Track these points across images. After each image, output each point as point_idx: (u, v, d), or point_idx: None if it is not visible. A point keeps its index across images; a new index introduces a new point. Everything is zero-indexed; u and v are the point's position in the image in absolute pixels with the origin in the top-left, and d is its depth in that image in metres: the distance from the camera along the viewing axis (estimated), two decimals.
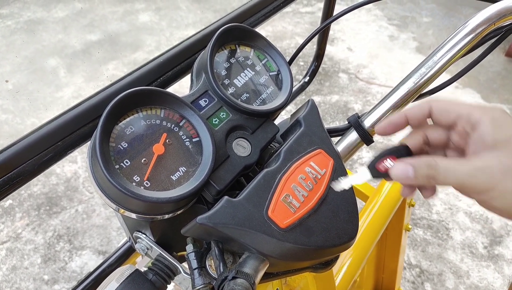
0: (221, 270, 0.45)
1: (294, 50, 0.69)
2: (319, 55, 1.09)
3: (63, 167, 2.11)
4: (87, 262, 1.74)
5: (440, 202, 1.99)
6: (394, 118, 0.47)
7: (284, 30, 3.12)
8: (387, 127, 0.47)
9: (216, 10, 3.35)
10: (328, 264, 0.54)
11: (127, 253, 0.81)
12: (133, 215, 0.48)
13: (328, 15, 0.98)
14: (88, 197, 1.98)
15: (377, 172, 0.46)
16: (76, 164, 2.12)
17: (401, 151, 0.46)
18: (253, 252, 0.46)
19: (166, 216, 0.49)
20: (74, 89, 2.56)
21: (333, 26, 3.34)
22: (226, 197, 0.46)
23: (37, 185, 1.99)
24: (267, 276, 0.52)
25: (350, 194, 0.53)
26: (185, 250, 0.64)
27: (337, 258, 0.55)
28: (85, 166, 2.12)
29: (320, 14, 3.37)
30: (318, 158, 0.53)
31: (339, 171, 0.54)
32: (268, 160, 0.55)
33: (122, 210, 0.47)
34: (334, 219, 0.50)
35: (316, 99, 2.52)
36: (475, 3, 3.45)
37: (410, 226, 1.00)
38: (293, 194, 0.49)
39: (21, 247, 1.80)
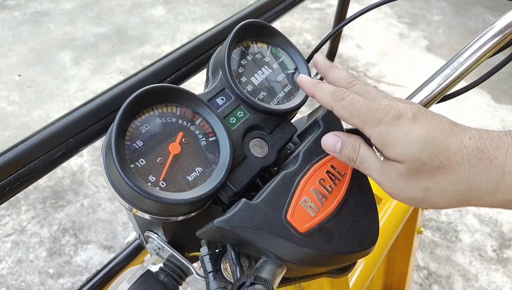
0: (238, 275, 0.43)
1: (303, 47, 0.67)
2: (332, 52, 1.07)
3: (69, 161, 2.10)
4: (92, 256, 1.73)
5: None
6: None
7: (293, 26, 3.09)
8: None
9: (224, 5, 3.32)
10: (346, 269, 0.53)
11: (136, 251, 0.80)
12: (147, 216, 0.46)
13: (343, 13, 0.96)
14: (94, 191, 1.97)
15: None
16: (82, 158, 2.11)
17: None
18: (271, 257, 0.45)
19: (180, 218, 0.48)
20: (81, 81, 2.55)
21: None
22: (244, 199, 0.45)
23: (42, 178, 1.98)
24: (284, 281, 0.51)
25: (371, 198, 0.51)
26: (197, 251, 0.63)
27: (354, 263, 0.53)
28: (91, 160, 2.11)
29: (329, 10, 3.34)
30: (337, 161, 0.51)
31: (359, 175, 0.52)
32: (284, 162, 0.54)
33: (135, 210, 0.46)
34: (354, 224, 0.48)
35: None
36: (486, 2, 3.40)
37: (422, 229, 0.98)
38: (312, 197, 0.47)
39: (27, 240, 1.80)
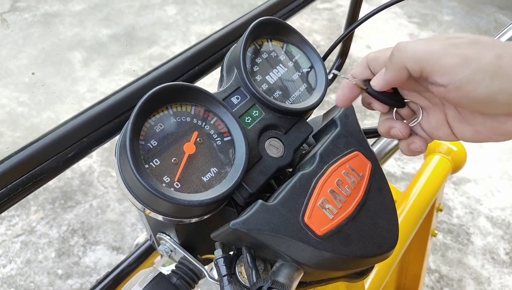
0: (254, 279, 0.42)
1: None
2: (344, 52, 1.06)
3: (78, 162, 2.11)
4: (101, 257, 1.73)
5: (460, 205, 1.94)
6: (345, 86, 0.47)
7: (302, 27, 3.07)
8: (344, 100, 0.48)
9: (233, 6, 3.32)
10: (363, 273, 0.51)
11: (146, 253, 0.79)
12: (160, 217, 0.45)
13: (355, 13, 0.94)
14: (103, 192, 1.97)
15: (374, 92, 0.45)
16: (91, 159, 2.12)
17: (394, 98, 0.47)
18: (288, 260, 0.44)
19: (194, 220, 0.47)
20: (90, 83, 2.56)
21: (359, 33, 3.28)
22: (260, 201, 0.43)
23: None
24: (300, 286, 0.49)
25: (390, 200, 0.50)
26: (210, 253, 0.62)
27: (372, 267, 0.52)
28: (100, 161, 2.11)
29: (338, 10, 3.32)
30: (355, 161, 0.50)
31: (377, 176, 0.51)
32: (300, 162, 0.52)
33: (148, 211, 0.45)
34: (374, 226, 0.47)
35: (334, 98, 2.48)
36: (497, 2, 3.36)
37: (436, 232, 0.96)
38: (330, 199, 0.46)
39: (36, 240, 1.80)
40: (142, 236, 1.12)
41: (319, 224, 0.44)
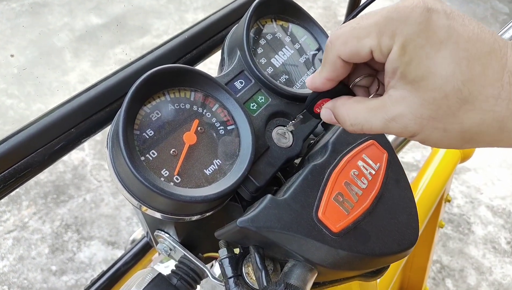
0: (265, 282, 0.38)
1: None
2: None
3: (70, 155, 2.05)
4: (96, 253, 1.69)
5: (461, 195, 1.92)
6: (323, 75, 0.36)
7: None
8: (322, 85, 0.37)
9: None
10: (379, 271, 0.47)
11: (143, 251, 0.75)
12: (158, 215, 0.41)
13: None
14: (96, 185, 1.92)
15: (317, 115, 0.40)
16: (83, 152, 2.06)
17: (338, 91, 0.38)
18: (300, 260, 0.40)
19: (195, 218, 0.42)
20: (81, 73, 2.49)
21: (341, 10, 3.23)
22: (269, 195, 0.39)
23: (43, 173, 1.93)
24: (312, 286, 0.45)
25: (408, 192, 0.46)
26: (213, 251, 0.58)
27: (389, 265, 0.48)
28: (92, 154, 2.06)
29: None
30: (371, 151, 0.46)
31: (394, 166, 0.47)
32: (309, 152, 0.48)
33: (145, 208, 0.40)
34: (392, 221, 0.43)
35: None
36: None
37: (443, 223, 0.93)
38: (345, 192, 0.42)
39: (28, 236, 1.75)
40: (138, 231, 1.07)
41: (334, 220, 0.40)
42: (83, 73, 2.48)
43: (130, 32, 2.83)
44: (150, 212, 0.40)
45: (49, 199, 1.87)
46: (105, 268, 1.61)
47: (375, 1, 0.49)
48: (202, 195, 0.37)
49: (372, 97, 0.35)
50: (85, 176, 1.95)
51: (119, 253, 1.68)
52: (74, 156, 2.05)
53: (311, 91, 0.49)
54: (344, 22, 0.57)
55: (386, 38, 0.29)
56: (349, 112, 0.34)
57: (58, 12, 3.00)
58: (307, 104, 0.40)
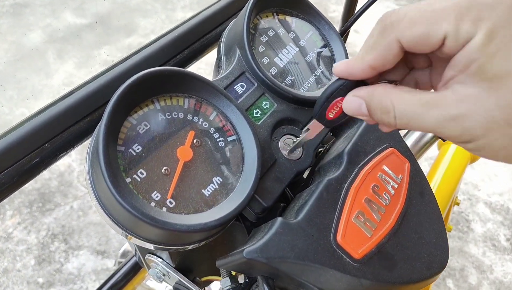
0: None
1: None
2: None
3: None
4: (85, 263, 1.61)
5: (459, 192, 1.88)
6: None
7: None
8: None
9: None
10: None
11: (135, 269, 0.68)
12: (148, 245, 0.35)
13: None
14: (84, 192, 1.85)
15: (330, 121, 0.34)
16: (70, 157, 1.98)
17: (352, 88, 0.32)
18: None
19: (191, 247, 0.36)
20: (65, 76, 2.40)
21: (337, 7, 3.18)
22: (280, 219, 0.33)
23: None
24: None
25: (434, 206, 0.41)
26: (211, 274, 0.52)
27: None
28: (79, 159, 1.98)
29: None
30: (391, 160, 0.40)
31: (417, 177, 0.41)
32: (318, 163, 0.43)
33: (132, 238, 0.34)
34: (419, 241, 0.38)
35: None
36: None
37: (451, 226, 0.88)
38: (367, 211, 0.36)
39: (13, 247, 1.67)
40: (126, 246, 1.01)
41: (356, 245, 0.35)
42: (67, 75, 2.40)
43: (116, 32, 2.75)
44: (139, 242, 0.34)
45: (34, 207, 1.79)
46: (94, 277, 1.53)
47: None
48: (201, 223, 0.31)
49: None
50: (72, 182, 1.87)
51: (109, 262, 1.61)
52: (60, 162, 1.96)
53: (319, 94, 0.42)
54: (342, 23, 0.51)
55: (467, 23, 0.24)
56: (396, 102, 0.28)
57: (40, 12, 2.90)
58: (318, 107, 0.34)
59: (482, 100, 0.24)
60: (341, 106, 0.33)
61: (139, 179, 0.32)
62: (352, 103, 0.31)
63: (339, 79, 0.32)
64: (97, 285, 0.67)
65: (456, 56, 0.25)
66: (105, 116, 0.30)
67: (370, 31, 0.30)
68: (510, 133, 0.24)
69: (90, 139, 0.37)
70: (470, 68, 0.24)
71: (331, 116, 0.34)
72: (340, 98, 0.33)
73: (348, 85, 0.32)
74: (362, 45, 0.30)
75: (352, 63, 0.30)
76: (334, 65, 0.32)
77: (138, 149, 0.33)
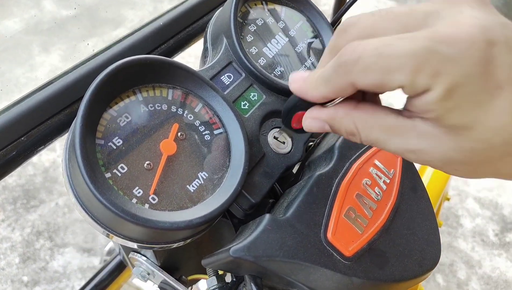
0: None
1: None
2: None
3: (40, 156, 1.93)
4: (71, 261, 1.58)
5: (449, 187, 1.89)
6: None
7: None
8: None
9: None
10: None
11: (120, 268, 0.66)
12: (131, 244, 0.33)
13: None
14: None
15: (299, 130, 0.32)
16: (54, 152, 1.94)
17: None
18: None
19: (176, 245, 0.35)
20: (50, 68, 2.35)
21: (326, 1, 3.17)
22: (268, 215, 0.32)
23: (12, 176, 1.81)
24: None
25: (426, 201, 0.40)
26: (197, 273, 0.50)
27: None
28: None
29: None
30: (383, 155, 0.39)
31: (409, 172, 0.40)
32: (308, 157, 0.41)
33: (114, 237, 0.33)
34: (411, 238, 0.37)
35: None
36: None
37: (442, 221, 0.88)
38: (358, 206, 0.35)
39: None
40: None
41: (347, 241, 0.33)
42: (52, 68, 2.35)
43: (103, 24, 2.70)
44: (121, 241, 0.32)
45: (18, 204, 1.75)
46: (80, 275, 1.50)
47: None
48: (186, 220, 0.30)
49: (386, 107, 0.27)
50: (57, 178, 1.83)
51: (95, 260, 1.59)
52: (45, 158, 1.92)
53: None
54: (333, 13, 0.49)
55: (424, 77, 0.22)
56: (359, 126, 0.26)
57: (24, 4, 2.83)
58: (283, 118, 0.32)
59: (441, 141, 0.23)
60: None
61: (119, 174, 0.30)
62: (314, 124, 0.29)
63: None
64: (83, 283, 0.65)
65: (414, 100, 0.23)
66: (81, 108, 0.29)
67: (324, 54, 0.28)
68: (468, 170, 0.25)
69: (67, 133, 0.35)
70: (428, 115, 0.23)
71: (297, 127, 0.32)
72: (301, 112, 0.30)
73: (306, 101, 0.29)
74: (319, 63, 0.28)
75: (307, 88, 0.28)
76: (290, 76, 0.29)
77: (118, 142, 0.31)
